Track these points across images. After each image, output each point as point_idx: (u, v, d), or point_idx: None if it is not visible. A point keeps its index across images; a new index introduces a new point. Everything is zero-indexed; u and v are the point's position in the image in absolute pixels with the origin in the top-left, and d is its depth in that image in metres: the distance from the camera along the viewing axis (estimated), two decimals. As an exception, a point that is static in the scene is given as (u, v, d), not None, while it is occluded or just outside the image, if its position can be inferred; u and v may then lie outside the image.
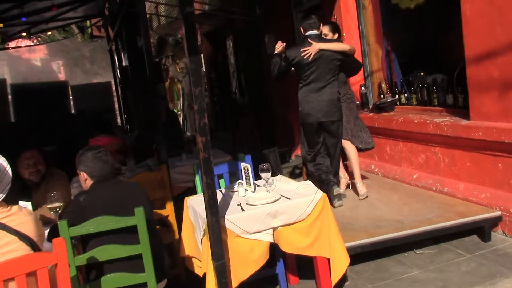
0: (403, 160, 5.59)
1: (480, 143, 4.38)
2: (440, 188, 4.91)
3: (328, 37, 5.05)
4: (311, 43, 4.75)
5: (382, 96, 6.12)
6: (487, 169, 4.40)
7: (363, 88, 6.39)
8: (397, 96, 5.99)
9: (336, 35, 5.13)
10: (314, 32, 4.83)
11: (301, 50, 4.76)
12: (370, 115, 6.03)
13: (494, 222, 4.20)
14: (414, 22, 6.62)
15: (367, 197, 5.03)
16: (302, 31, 4.94)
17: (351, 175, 5.32)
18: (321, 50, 4.72)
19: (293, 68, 4.98)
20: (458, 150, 4.73)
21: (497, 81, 4.13)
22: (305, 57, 4.74)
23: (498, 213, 4.18)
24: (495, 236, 4.19)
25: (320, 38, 4.85)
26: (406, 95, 5.92)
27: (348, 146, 5.15)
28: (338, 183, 5.01)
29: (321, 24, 4.97)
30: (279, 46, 5.01)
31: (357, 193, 5.11)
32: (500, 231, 4.20)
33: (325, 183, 4.76)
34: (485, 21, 4.15)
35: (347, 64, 4.96)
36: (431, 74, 5.73)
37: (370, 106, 6.30)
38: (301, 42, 4.94)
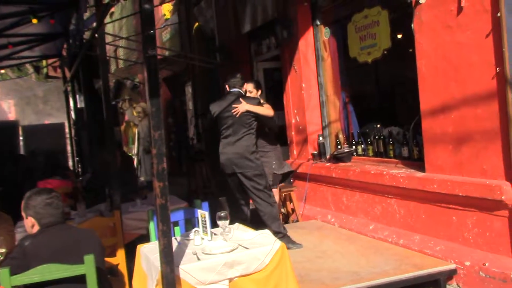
0: (360, 211, 5.61)
1: (434, 196, 4.45)
2: (396, 239, 4.92)
3: (252, 94, 5.54)
4: (239, 100, 5.18)
5: (339, 147, 6.19)
6: (442, 221, 4.45)
7: (320, 138, 6.46)
8: (354, 147, 6.07)
9: (259, 92, 5.66)
10: (237, 89, 5.31)
11: (233, 106, 5.16)
12: (328, 165, 6.07)
13: (449, 275, 4.21)
14: (371, 76, 6.83)
15: None
16: (227, 88, 5.36)
17: None
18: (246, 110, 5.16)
19: None
20: (413, 202, 4.79)
21: (451, 136, 4.24)
22: (234, 113, 5.15)
23: (453, 266, 4.19)
24: (450, 289, 4.20)
25: (240, 95, 5.29)
26: (362, 146, 6.01)
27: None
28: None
29: (245, 83, 5.42)
30: None
31: None
32: (455, 284, 4.21)
33: None
34: (440, 77, 4.29)
35: (262, 120, 5.35)
36: (387, 126, 5.85)
37: (328, 156, 6.35)
38: (224, 97, 5.36)
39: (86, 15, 8.68)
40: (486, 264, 3.92)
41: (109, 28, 15.80)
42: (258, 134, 5.37)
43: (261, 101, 5.51)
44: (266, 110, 5.33)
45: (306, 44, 6.53)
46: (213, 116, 5.31)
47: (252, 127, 5.22)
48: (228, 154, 5.17)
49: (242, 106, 5.15)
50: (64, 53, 10.29)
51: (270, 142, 5.80)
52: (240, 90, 5.33)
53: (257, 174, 5.15)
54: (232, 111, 5.15)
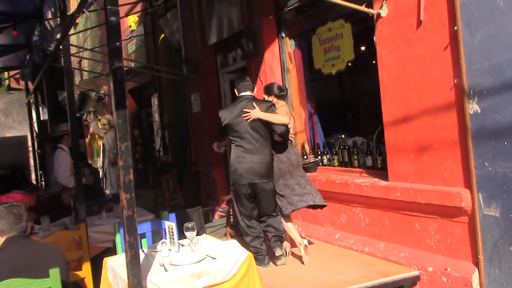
0: (326, 220, 5.68)
1: (398, 204, 4.55)
2: (361, 247, 5.00)
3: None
4: (252, 104, 4.75)
5: (305, 157, 6.27)
6: (405, 228, 4.55)
7: (287, 149, 6.51)
8: (319, 157, 6.16)
9: (271, 97, 5.16)
10: (248, 93, 4.86)
11: (243, 110, 4.73)
12: (294, 175, 6.13)
13: (413, 281, 4.30)
14: (336, 87, 6.95)
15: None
16: (236, 92, 4.94)
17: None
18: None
19: None
20: (378, 210, 4.88)
21: (412, 145, 4.36)
22: (244, 119, 4.72)
23: (416, 272, 4.29)
24: (414, 295, 4.29)
25: (254, 99, 4.86)
26: (328, 156, 6.10)
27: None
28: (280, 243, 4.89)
29: (255, 86, 5.01)
30: None
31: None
32: (419, 290, 4.31)
33: (258, 253, 4.75)
34: (401, 89, 4.42)
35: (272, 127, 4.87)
36: (352, 137, 5.96)
37: (294, 166, 6.41)
38: (235, 103, 4.92)
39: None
40: (448, 269, 4.03)
41: (73, 39, 15.59)
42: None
43: (279, 105, 5.06)
44: (280, 117, 4.79)
45: (271, 56, 6.61)
46: (222, 123, 4.82)
47: (268, 134, 4.81)
48: (246, 163, 4.70)
49: (255, 113, 4.70)
50: (26, 64, 10.11)
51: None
52: (252, 94, 4.89)
53: (273, 182, 4.83)
54: (243, 115, 4.72)
